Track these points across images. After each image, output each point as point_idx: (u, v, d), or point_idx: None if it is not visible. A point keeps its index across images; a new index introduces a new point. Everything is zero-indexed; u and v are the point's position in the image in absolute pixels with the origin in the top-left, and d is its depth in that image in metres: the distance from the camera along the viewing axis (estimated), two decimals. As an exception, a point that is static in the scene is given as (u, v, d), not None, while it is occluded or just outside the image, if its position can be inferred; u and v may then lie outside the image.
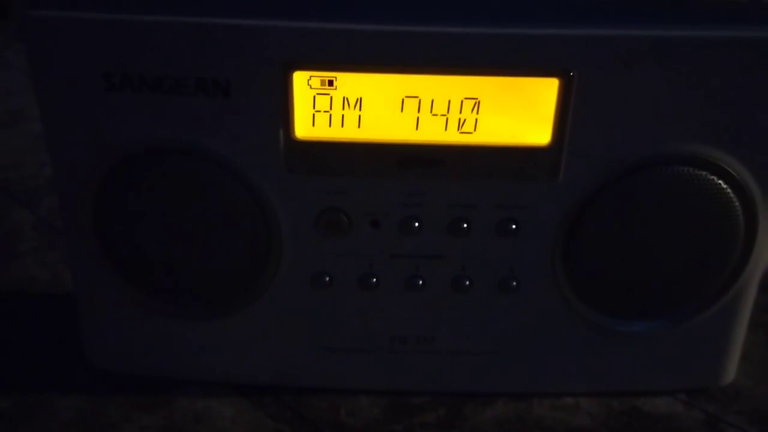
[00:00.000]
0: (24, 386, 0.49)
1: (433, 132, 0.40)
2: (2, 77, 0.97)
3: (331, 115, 0.40)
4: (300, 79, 0.39)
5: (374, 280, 0.44)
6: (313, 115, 0.40)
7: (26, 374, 0.50)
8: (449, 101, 0.39)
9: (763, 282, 0.50)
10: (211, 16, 0.38)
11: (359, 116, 0.40)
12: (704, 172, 0.41)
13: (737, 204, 0.42)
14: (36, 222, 0.66)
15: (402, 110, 0.40)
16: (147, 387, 0.49)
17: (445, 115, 0.40)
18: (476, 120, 0.40)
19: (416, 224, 0.43)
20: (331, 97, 0.39)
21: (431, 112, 0.40)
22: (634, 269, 0.44)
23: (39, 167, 0.74)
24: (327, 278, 0.44)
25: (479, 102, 0.39)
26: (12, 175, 0.73)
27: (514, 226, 0.43)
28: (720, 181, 0.42)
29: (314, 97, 0.39)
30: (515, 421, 0.47)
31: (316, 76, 0.39)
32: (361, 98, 0.39)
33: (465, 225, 0.43)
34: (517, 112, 0.40)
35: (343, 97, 0.39)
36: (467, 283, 0.44)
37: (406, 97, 0.39)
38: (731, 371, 0.49)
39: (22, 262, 0.60)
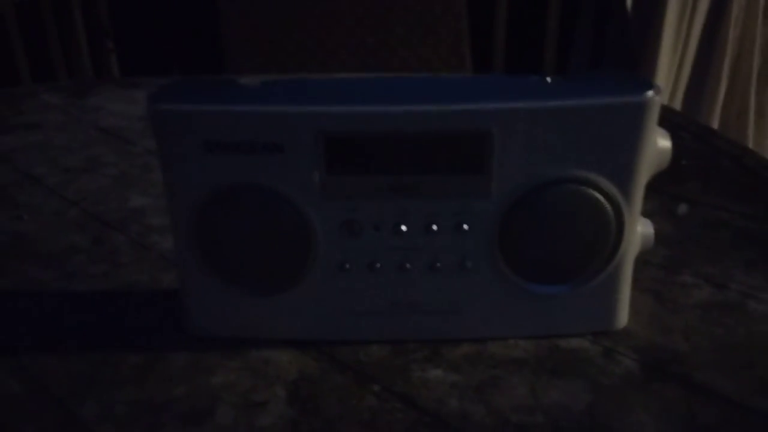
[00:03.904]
0: (147, 349, 0.58)
1: (413, 169, 0.53)
2: (76, 131, 1.04)
3: (352, 160, 0.52)
4: (331, 144, 0.51)
5: (378, 265, 0.55)
6: (340, 161, 0.52)
7: (146, 343, 0.59)
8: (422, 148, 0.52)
9: (649, 258, 0.64)
10: (272, 104, 0.52)
11: (370, 160, 0.53)
12: (586, 188, 0.53)
13: (609, 208, 0.54)
14: (131, 242, 0.75)
15: (397, 156, 0.52)
16: (230, 344, 0.58)
17: (420, 158, 0.52)
18: (438, 160, 0.53)
19: (403, 227, 0.54)
20: (354, 151, 0.52)
21: (413, 156, 0.53)
22: (548, 252, 0.55)
23: (123, 201, 0.83)
24: (347, 265, 0.56)
25: (439, 152, 0.53)
26: (103, 209, 0.82)
27: (466, 227, 0.54)
28: (596, 194, 0.53)
29: (341, 150, 0.52)
30: (476, 355, 0.57)
31: (342, 138, 0.51)
32: (372, 151, 0.52)
33: (434, 227, 0.54)
34: (462, 157, 0.53)
35: (360, 150, 0.52)
36: (438, 265, 0.56)
37: (402, 147, 0.52)
38: (623, 319, 0.59)
39: (125, 270, 0.70)
